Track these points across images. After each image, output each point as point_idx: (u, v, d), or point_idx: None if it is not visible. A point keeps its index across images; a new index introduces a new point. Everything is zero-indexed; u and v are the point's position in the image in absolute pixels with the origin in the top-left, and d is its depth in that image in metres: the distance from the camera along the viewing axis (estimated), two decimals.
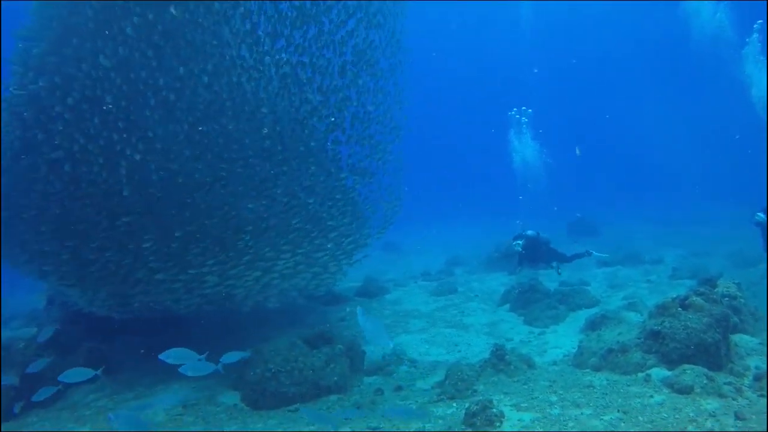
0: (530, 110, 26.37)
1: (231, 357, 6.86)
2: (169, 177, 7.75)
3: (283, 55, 8.13)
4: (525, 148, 26.53)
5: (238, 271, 8.77)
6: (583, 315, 10.75)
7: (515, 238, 12.39)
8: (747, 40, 20.66)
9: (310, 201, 9.10)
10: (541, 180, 26.77)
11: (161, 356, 6.33)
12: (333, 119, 9.17)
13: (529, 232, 12.27)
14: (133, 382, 8.33)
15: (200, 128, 7.71)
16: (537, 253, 12.34)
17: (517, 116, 26.42)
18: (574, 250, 12.83)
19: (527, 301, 12.18)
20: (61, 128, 7.42)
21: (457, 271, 19.42)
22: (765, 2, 22.08)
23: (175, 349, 6.41)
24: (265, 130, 8.25)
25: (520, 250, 12.22)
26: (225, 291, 9.00)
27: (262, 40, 7.97)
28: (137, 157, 7.43)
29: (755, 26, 20.39)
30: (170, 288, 8.46)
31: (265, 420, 6.95)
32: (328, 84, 8.77)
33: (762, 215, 10.03)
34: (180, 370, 6.36)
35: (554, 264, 12.39)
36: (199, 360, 6.45)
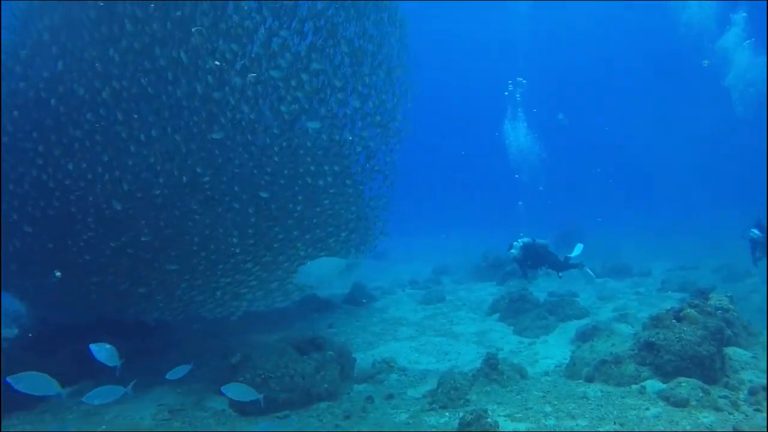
0: (525, 81, 26.41)
1: (177, 372, 6.57)
2: (173, 178, 7.66)
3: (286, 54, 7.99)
4: (519, 135, 26.53)
5: (206, 281, 8.68)
6: (573, 326, 10.71)
7: (510, 248, 12.32)
8: (726, 27, 20.94)
9: (298, 208, 8.98)
10: (535, 170, 26.76)
11: (8, 379, 5.58)
12: (351, 138, 9.10)
13: (525, 240, 12.20)
14: (119, 384, 8.12)
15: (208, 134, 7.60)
16: (537, 259, 12.26)
17: (511, 87, 26.36)
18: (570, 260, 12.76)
19: (517, 311, 12.13)
20: (52, 124, 7.28)
21: (445, 280, 19.41)
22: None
23: (28, 373, 5.68)
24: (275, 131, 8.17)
25: (518, 257, 12.12)
26: (191, 300, 8.93)
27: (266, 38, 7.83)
28: (151, 159, 7.33)
29: (737, 16, 20.69)
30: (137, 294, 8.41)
31: (253, 426, 6.80)
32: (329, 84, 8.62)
33: (756, 231, 10.09)
34: (84, 399, 6.00)
35: (560, 274, 12.33)
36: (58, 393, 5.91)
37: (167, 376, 6.51)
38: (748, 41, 20.82)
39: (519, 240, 12.15)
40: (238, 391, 6.35)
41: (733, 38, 21.08)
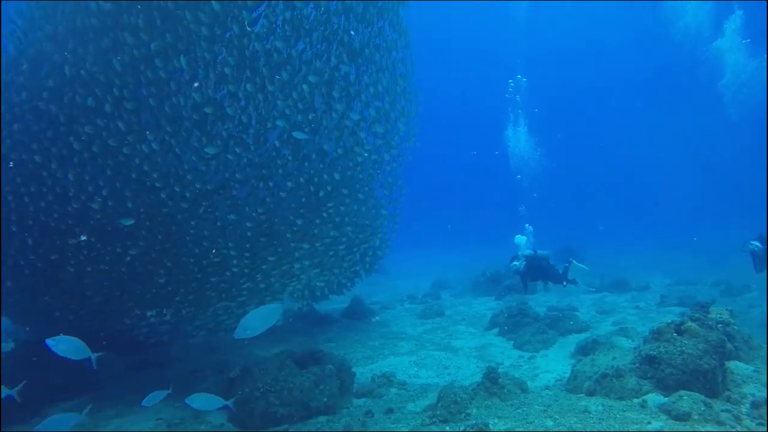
0: (525, 79, 26.40)
1: (153, 398, 6.38)
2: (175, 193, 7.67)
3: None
4: (520, 139, 26.44)
5: (198, 296, 8.64)
6: (573, 340, 10.67)
7: (512, 259, 12.27)
8: (722, 29, 20.96)
9: (299, 222, 8.95)
10: (535, 175, 26.65)
11: None
12: (371, 156, 9.05)
13: (527, 252, 12.18)
14: (115, 399, 8.07)
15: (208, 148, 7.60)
16: (538, 271, 12.23)
17: (512, 85, 26.28)
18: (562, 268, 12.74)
19: (516, 325, 12.08)
20: (49, 135, 7.27)
21: (444, 295, 19.38)
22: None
23: None
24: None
25: (521, 270, 12.07)
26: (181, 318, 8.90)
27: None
28: (154, 174, 7.33)
29: (734, 15, 20.70)
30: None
31: None
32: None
33: (757, 244, 10.07)
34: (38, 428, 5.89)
35: (564, 282, 12.29)
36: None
37: (143, 403, 6.34)
38: (744, 41, 20.86)
39: (521, 252, 12.10)
40: (202, 400, 6.13)
41: (729, 39, 21.15)
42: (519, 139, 26.72)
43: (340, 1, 8.14)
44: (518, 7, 48.68)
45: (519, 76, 27.42)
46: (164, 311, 8.93)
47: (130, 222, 7.36)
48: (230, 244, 8.40)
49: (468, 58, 61.34)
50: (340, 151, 8.96)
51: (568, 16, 52.89)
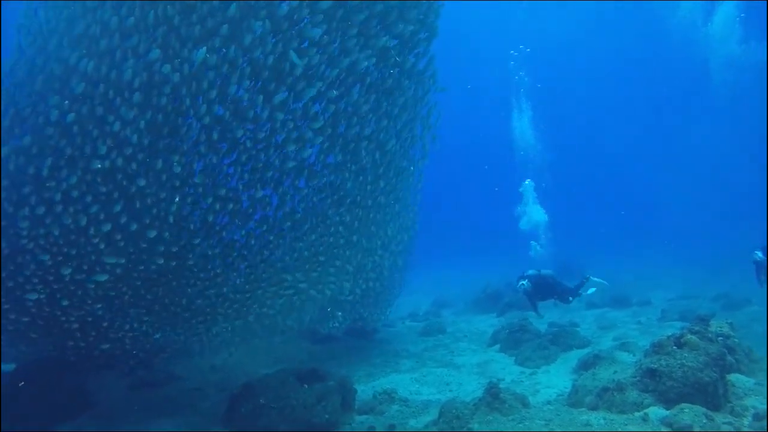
0: (528, 50, 25.98)
1: None
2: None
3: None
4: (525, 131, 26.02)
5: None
6: (574, 355, 10.66)
7: (519, 278, 12.34)
8: (711, 18, 20.81)
9: (312, 237, 8.94)
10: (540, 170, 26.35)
11: None
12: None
13: (530, 272, 12.26)
14: (118, 418, 8.07)
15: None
16: (546, 290, 12.28)
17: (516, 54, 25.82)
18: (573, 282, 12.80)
19: (517, 342, 12.07)
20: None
21: (445, 313, 19.41)
22: None
23: None
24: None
25: (528, 290, 12.12)
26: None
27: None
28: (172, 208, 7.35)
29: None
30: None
31: None
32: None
33: (759, 254, 10.12)
34: None
35: (570, 298, 12.35)
36: None
37: None
38: (739, 16, 20.65)
39: (525, 272, 12.14)
40: None
41: (720, 22, 20.99)
42: (523, 118, 26.32)
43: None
44: (518, 8, 48.74)
45: (521, 46, 26.90)
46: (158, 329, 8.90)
47: (161, 249, 7.37)
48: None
49: (466, 57, 60.68)
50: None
51: (567, 17, 52.67)
